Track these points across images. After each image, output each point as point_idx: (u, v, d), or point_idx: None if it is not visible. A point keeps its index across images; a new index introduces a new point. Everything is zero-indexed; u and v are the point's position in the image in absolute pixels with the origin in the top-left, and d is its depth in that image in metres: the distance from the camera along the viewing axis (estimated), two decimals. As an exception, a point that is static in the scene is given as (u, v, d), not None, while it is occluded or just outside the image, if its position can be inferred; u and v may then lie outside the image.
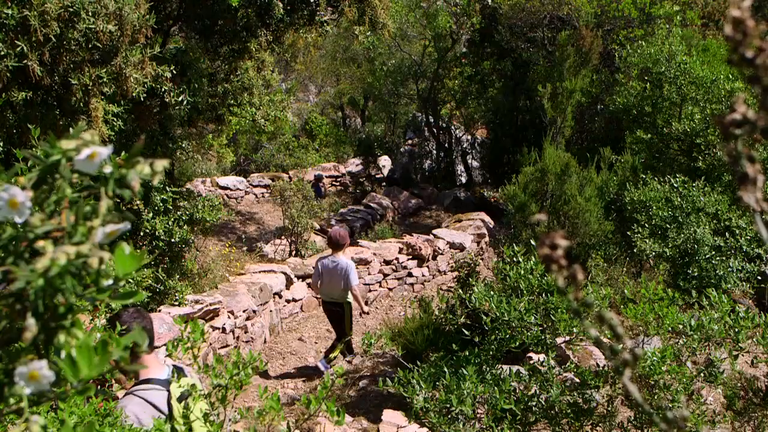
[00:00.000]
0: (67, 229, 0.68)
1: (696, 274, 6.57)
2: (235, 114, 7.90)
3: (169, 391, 2.28)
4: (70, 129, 0.72)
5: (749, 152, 0.43)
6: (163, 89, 5.46)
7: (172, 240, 6.22)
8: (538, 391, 3.20)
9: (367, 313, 6.43)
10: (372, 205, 12.18)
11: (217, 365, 1.92)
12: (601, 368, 3.31)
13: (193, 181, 12.34)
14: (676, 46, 8.91)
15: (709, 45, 9.69)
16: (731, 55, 0.42)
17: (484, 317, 3.42)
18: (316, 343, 6.92)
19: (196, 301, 6.13)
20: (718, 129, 0.46)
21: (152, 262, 6.20)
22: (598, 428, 3.19)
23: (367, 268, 8.23)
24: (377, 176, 14.42)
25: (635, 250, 6.87)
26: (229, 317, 6.29)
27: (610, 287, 3.72)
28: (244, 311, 6.30)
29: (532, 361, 3.46)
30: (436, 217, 12.39)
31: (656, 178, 7.48)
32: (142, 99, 5.09)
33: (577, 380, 3.26)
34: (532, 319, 3.30)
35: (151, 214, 6.14)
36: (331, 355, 5.95)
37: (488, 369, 3.34)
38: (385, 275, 8.44)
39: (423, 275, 8.76)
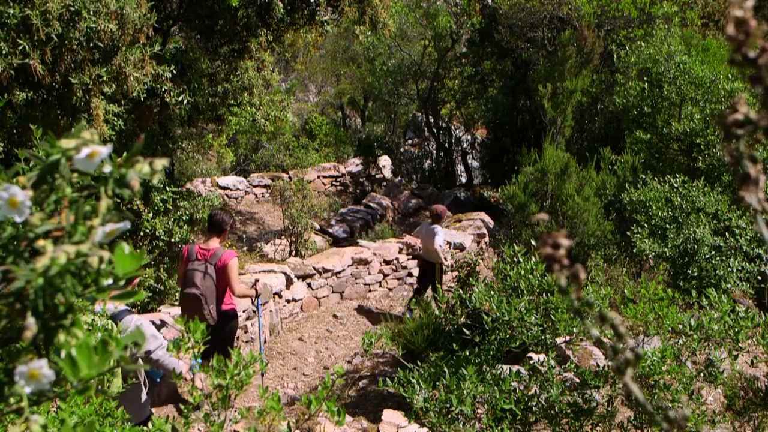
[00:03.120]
0: (67, 228, 0.68)
1: (696, 274, 6.57)
2: (235, 114, 7.90)
3: None
4: (72, 128, 0.72)
5: (751, 152, 0.43)
6: (163, 89, 5.47)
7: (172, 240, 6.23)
8: (538, 391, 3.20)
9: (449, 267, 7.32)
10: (372, 205, 12.18)
11: (218, 365, 1.92)
12: (601, 368, 3.31)
13: (193, 181, 12.34)
14: (676, 46, 8.91)
15: (709, 45, 9.69)
16: (733, 55, 0.42)
17: (485, 317, 3.41)
18: (315, 343, 6.92)
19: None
20: (718, 129, 0.46)
21: (152, 262, 6.21)
22: (598, 428, 3.19)
23: (367, 268, 8.23)
24: (377, 176, 14.42)
25: (635, 250, 6.86)
26: (229, 317, 6.29)
27: (610, 287, 3.72)
28: (243, 311, 6.30)
29: (532, 361, 3.46)
30: (436, 217, 12.38)
31: (656, 178, 7.48)
32: (142, 99, 5.10)
33: (577, 380, 3.26)
34: (532, 319, 3.30)
35: (151, 214, 6.14)
36: (412, 304, 7.12)
37: (488, 369, 3.34)
38: (385, 275, 8.44)
39: (423, 275, 8.76)
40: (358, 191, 13.78)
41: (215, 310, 4.60)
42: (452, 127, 15.32)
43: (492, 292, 3.55)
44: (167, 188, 6.33)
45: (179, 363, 3.71)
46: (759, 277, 6.94)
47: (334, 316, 7.60)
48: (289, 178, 12.75)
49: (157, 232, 6.13)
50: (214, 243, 4.66)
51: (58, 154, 0.70)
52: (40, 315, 0.66)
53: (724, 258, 6.66)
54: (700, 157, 8.36)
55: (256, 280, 5.27)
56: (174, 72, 5.54)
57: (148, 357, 3.52)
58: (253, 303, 5.56)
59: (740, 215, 7.03)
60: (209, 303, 4.55)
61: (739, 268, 6.63)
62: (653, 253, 6.79)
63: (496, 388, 3.12)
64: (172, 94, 5.59)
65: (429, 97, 14.29)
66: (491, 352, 3.38)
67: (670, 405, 2.85)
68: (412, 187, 14.10)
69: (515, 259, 3.69)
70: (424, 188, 13.82)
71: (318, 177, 13.70)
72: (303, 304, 7.55)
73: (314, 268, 7.63)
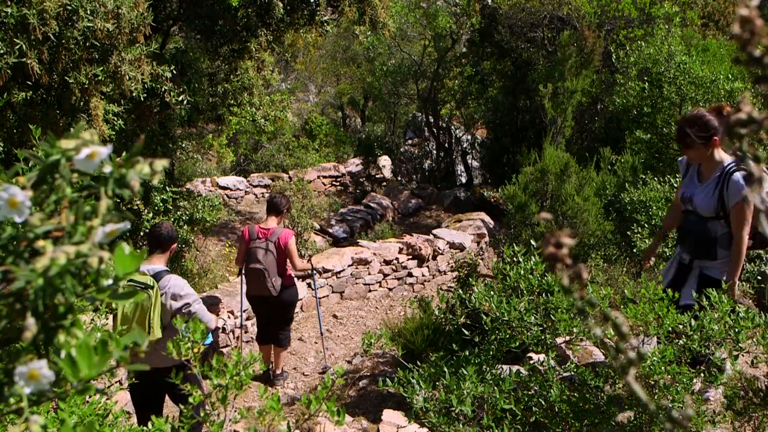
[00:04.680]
0: (67, 228, 0.68)
1: (696, 274, 6.56)
2: (235, 114, 7.90)
3: None
4: (71, 128, 0.71)
5: (754, 152, 0.43)
6: (163, 89, 5.46)
7: (172, 240, 6.21)
8: (538, 391, 3.19)
9: None
10: (372, 205, 12.18)
11: (218, 365, 1.92)
12: (600, 368, 3.31)
13: (193, 181, 12.34)
14: (676, 46, 8.90)
15: (709, 45, 9.69)
16: (739, 54, 0.41)
17: (484, 317, 3.41)
18: (315, 343, 6.92)
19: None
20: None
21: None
22: (598, 428, 3.18)
23: (367, 268, 8.23)
24: (377, 176, 14.42)
25: (635, 250, 6.86)
26: (229, 317, 6.29)
27: (610, 287, 3.71)
28: (244, 311, 6.29)
29: (532, 361, 3.45)
30: (436, 217, 12.39)
31: (656, 178, 7.48)
32: (142, 99, 5.10)
33: (577, 380, 3.25)
34: (532, 319, 3.29)
35: (151, 214, 6.14)
36: None
37: (488, 369, 3.34)
38: (385, 275, 8.44)
39: (423, 275, 8.76)
40: (358, 191, 13.78)
41: (277, 282, 5.23)
42: (452, 127, 15.32)
43: (492, 293, 3.55)
44: (167, 188, 6.33)
45: (212, 318, 4.16)
46: (759, 277, 6.93)
47: (334, 316, 7.60)
48: (289, 178, 12.75)
49: (156, 232, 6.12)
50: (273, 223, 5.29)
51: (58, 154, 0.70)
52: (40, 315, 0.66)
53: (724, 258, 6.65)
54: (700, 157, 8.35)
55: (310, 256, 6.22)
56: (174, 72, 5.53)
57: (187, 309, 3.88)
58: (310, 278, 6.32)
59: (740, 215, 7.01)
60: (271, 276, 5.18)
61: (739, 268, 6.62)
62: (653, 253, 6.77)
63: (496, 388, 3.12)
64: (172, 94, 5.58)
65: (429, 97, 14.28)
66: (491, 353, 3.38)
67: (670, 405, 2.85)
68: (412, 187, 14.09)
69: (515, 259, 3.68)
70: (424, 188, 13.81)
71: (318, 177, 13.70)
72: (303, 304, 7.54)
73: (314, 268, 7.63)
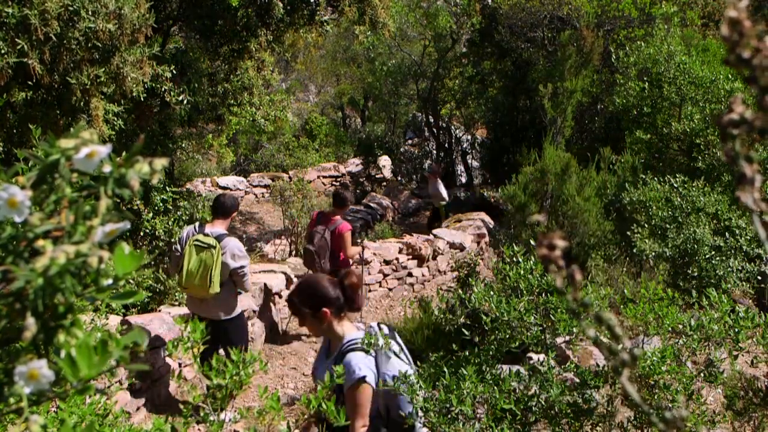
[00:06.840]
0: (67, 228, 0.68)
1: (696, 274, 6.57)
2: (235, 114, 7.90)
3: None
4: (71, 128, 0.72)
5: (747, 152, 0.43)
6: (163, 89, 5.47)
7: (172, 240, 6.22)
8: (538, 391, 3.19)
9: None
10: (372, 205, 12.18)
11: (218, 364, 1.92)
12: (600, 368, 3.31)
13: (193, 181, 12.34)
14: (676, 46, 8.90)
15: (709, 45, 9.69)
16: (729, 55, 0.42)
17: (484, 317, 3.41)
18: (316, 342, 6.92)
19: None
20: (717, 129, 0.46)
21: (152, 262, 6.21)
22: (598, 428, 3.18)
23: (367, 268, 8.22)
24: (377, 176, 14.42)
25: (635, 250, 6.86)
26: (229, 317, 6.28)
27: (609, 287, 3.71)
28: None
29: (532, 361, 3.45)
30: (436, 217, 12.38)
31: (656, 178, 7.48)
32: (142, 99, 5.10)
33: (577, 380, 3.25)
34: (531, 319, 3.29)
35: (151, 214, 6.14)
36: None
37: (488, 369, 3.34)
38: (385, 275, 8.43)
39: (423, 275, 8.75)
40: (358, 191, 13.78)
41: (326, 264, 5.92)
42: (452, 127, 15.32)
43: (491, 292, 3.55)
44: (167, 188, 6.34)
45: (251, 287, 4.92)
46: (759, 277, 6.93)
47: (334, 316, 7.59)
48: (289, 178, 12.75)
49: (157, 232, 6.13)
50: (336, 215, 6.03)
51: (58, 154, 0.70)
52: (39, 315, 0.66)
53: (724, 258, 6.65)
54: (700, 157, 8.35)
55: (362, 241, 6.93)
56: (174, 72, 5.54)
57: (242, 271, 4.54)
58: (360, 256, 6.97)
59: (740, 215, 7.02)
60: (321, 258, 5.92)
61: (739, 268, 6.62)
62: (653, 253, 6.78)
63: (495, 388, 3.12)
64: (172, 94, 5.58)
65: (429, 97, 14.28)
66: (491, 352, 3.38)
67: (670, 405, 2.85)
68: (412, 187, 14.09)
69: (515, 259, 3.68)
70: (424, 188, 13.81)
71: (318, 177, 13.69)
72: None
73: (314, 268, 7.62)
